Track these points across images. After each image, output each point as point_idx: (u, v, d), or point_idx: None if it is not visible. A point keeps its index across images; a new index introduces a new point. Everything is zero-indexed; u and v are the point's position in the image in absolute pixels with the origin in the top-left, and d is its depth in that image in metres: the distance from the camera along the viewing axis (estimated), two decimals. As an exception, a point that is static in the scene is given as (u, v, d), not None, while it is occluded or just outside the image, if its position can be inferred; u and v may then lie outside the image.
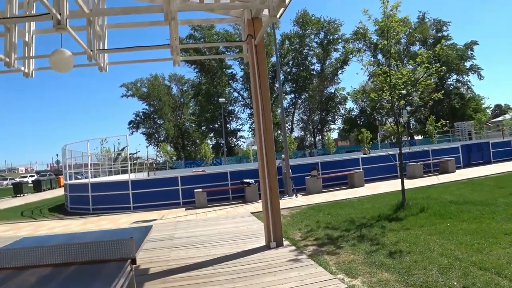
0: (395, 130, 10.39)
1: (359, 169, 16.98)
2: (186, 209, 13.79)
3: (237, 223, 9.64)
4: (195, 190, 14.04)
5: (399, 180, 17.27)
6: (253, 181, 14.42)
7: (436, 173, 18.49)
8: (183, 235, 8.64)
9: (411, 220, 7.90)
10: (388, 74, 9.68)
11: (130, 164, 36.04)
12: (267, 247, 6.70)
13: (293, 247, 6.63)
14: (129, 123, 74.39)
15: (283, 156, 15.79)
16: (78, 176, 33.34)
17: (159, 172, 37.53)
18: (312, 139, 73.27)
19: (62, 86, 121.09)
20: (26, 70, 6.98)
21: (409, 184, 14.83)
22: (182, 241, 7.96)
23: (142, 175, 28.69)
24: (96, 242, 3.41)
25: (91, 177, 25.69)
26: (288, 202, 13.05)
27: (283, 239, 7.00)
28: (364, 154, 26.26)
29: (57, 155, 24.80)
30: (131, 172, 34.00)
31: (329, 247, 6.57)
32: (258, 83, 6.81)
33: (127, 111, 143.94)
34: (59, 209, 17.69)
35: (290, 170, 15.06)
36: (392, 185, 14.96)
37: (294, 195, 14.43)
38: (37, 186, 36.56)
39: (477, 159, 21.24)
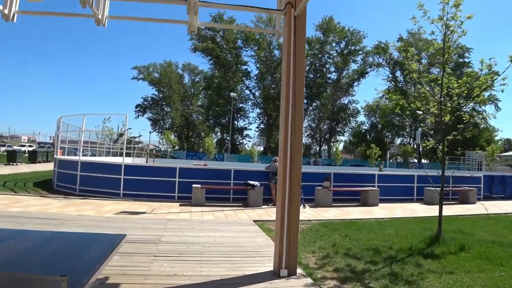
0: (434, 147, 8.86)
1: (374, 186, 15.47)
2: (180, 205, 12.34)
3: (237, 232, 8.16)
4: (193, 185, 12.60)
5: (415, 204, 16.03)
6: (258, 184, 12.97)
7: (455, 201, 16.98)
8: (172, 239, 7.18)
9: (452, 261, 6.41)
10: (440, 82, 8.14)
11: (129, 147, 34.77)
12: (275, 274, 5.20)
13: (309, 280, 5.13)
14: (136, 107, 73.42)
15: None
16: (77, 153, 32.29)
17: (159, 159, 36.14)
18: (318, 147, 71.60)
19: (80, 54, 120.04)
20: (6, 12, 5.54)
21: (428, 211, 13.46)
22: (169, 247, 6.48)
23: (140, 161, 27.28)
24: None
25: (84, 155, 24.49)
26: (295, 213, 11.63)
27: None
28: (379, 171, 24.99)
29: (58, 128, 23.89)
30: (129, 156, 32.86)
31: (355, 285, 5.10)
32: (292, 66, 5.33)
33: (136, 94, 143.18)
34: (45, 185, 16.30)
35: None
36: (409, 210, 13.55)
37: (302, 205, 12.96)
38: (32, 157, 35.30)
39: (498, 192, 19.70)
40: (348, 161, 59.98)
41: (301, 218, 10.90)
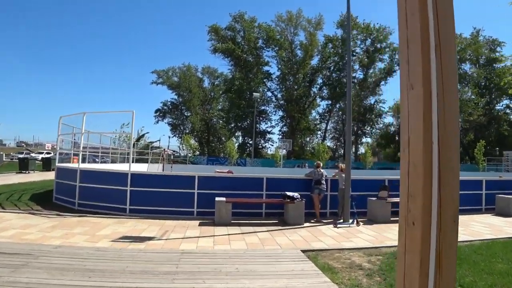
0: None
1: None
2: (200, 224, 9.69)
3: (287, 278, 5.35)
4: (217, 199, 9.92)
5: (488, 217, 12.92)
6: (299, 196, 10.23)
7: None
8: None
9: None
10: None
11: (146, 153, 32.51)
12: None
13: None
14: (156, 111, 72.22)
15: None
16: (96, 160, 30.17)
17: (177, 166, 33.69)
18: (342, 150, 68.12)
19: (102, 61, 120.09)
20: None
21: (503, 223, 10.59)
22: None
23: (157, 167, 24.87)
24: None
25: (103, 162, 22.17)
26: (349, 235, 8.81)
27: None
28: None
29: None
30: (145, 162, 30.50)
31: None
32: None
33: (155, 99, 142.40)
34: (44, 198, 13.88)
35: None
36: (490, 226, 10.58)
37: (354, 222, 10.13)
38: (46, 165, 33.39)
39: None
40: (377, 164, 56.44)
41: (361, 242, 8.12)
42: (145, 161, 29.11)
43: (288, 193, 10.21)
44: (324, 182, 11.19)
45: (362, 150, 70.23)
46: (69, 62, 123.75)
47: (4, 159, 46.39)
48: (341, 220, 10.48)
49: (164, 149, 25.71)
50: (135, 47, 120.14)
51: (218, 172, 15.60)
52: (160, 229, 8.86)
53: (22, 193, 14.90)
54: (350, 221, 10.19)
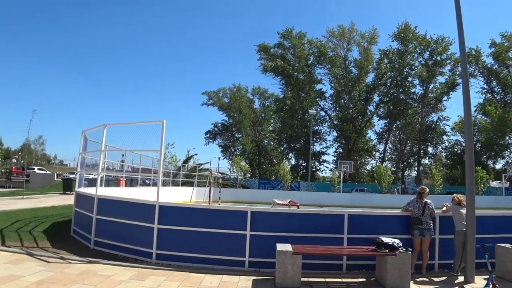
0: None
1: None
2: (254, 283, 6.56)
3: None
4: (279, 247, 6.69)
5: None
6: (401, 244, 6.84)
7: None
8: None
9: None
10: None
11: (193, 175, 29.89)
12: None
13: None
14: (206, 133, 71.10)
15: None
16: (147, 181, 28.10)
17: (227, 190, 30.91)
18: (401, 173, 62.47)
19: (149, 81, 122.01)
20: None
21: None
22: None
23: (204, 191, 22.07)
24: None
25: (147, 185, 19.82)
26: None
27: None
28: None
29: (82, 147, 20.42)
30: (190, 185, 27.83)
31: None
32: None
33: (205, 120, 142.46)
34: (62, 229, 11.31)
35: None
36: None
37: (490, 285, 6.48)
38: (66, 186, 31.81)
39: None
40: (445, 187, 50.43)
41: None
42: (191, 184, 26.50)
43: (384, 239, 6.82)
44: (430, 220, 7.72)
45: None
46: (117, 85, 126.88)
47: (55, 179, 46.05)
48: (460, 276, 7.00)
49: (211, 171, 22.86)
50: (186, 68, 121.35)
51: (278, 203, 12.15)
52: (193, 294, 5.82)
53: (42, 221, 12.48)
54: (483, 283, 6.57)
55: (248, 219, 7.57)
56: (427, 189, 8.09)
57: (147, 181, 27.55)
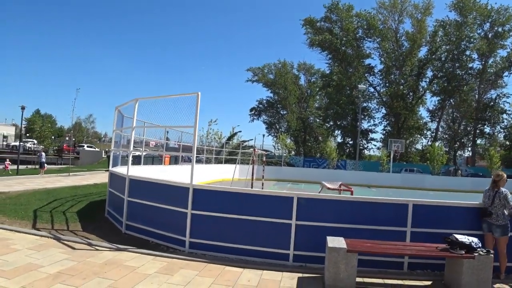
0: None
1: None
2: (300, 281, 5.57)
3: None
4: (330, 242, 5.61)
5: None
6: (480, 244, 5.59)
7: None
8: None
9: None
10: None
11: (237, 153, 29.12)
12: None
13: None
14: (251, 110, 70.39)
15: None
16: (191, 158, 27.14)
17: (271, 168, 30.03)
18: (453, 153, 58.64)
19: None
20: None
21: None
22: None
23: (247, 169, 21.25)
24: None
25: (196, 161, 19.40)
26: None
27: None
28: None
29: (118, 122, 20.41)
30: (232, 163, 27.06)
31: None
32: None
33: (251, 97, 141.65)
34: (98, 210, 10.86)
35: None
36: None
37: None
38: (136, 163, 31.94)
39: None
40: (504, 170, 46.92)
41: None
42: (235, 161, 25.78)
43: (459, 237, 5.57)
44: (504, 213, 6.31)
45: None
46: (159, 63, 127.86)
47: (103, 156, 47.05)
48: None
49: (255, 148, 21.95)
50: (232, 45, 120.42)
51: (328, 187, 10.78)
52: (227, 295, 4.93)
53: (79, 200, 12.10)
54: None
55: (294, 206, 6.52)
56: (505, 176, 6.60)
57: (191, 158, 27.03)
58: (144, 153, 22.96)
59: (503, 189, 6.37)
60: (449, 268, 5.80)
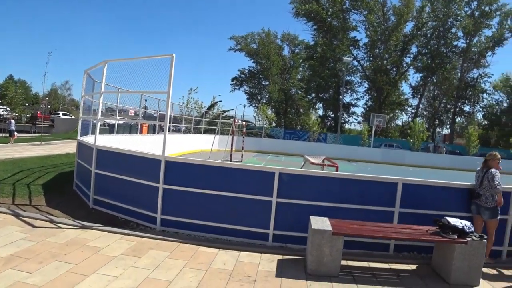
0: None
1: None
2: (279, 271, 5.08)
3: None
4: (313, 222, 5.19)
5: None
6: (472, 229, 5.21)
7: None
8: None
9: None
10: None
11: (215, 123, 28.36)
12: None
13: None
14: (232, 80, 68.92)
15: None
16: (171, 128, 26.70)
17: (251, 139, 29.54)
18: (432, 130, 59.02)
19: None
20: None
21: None
22: None
23: (227, 140, 20.67)
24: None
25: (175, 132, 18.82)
26: None
27: None
28: None
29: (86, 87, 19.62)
30: (211, 133, 26.31)
31: None
32: None
33: (232, 66, 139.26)
34: (66, 182, 10.19)
35: None
36: None
37: None
38: (111, 132, 30.92)
39: None
40: (481, 149, 47.42)
41: None
42: (210, 131, 25.11)
43: (451, 220, 5.17)
44: (492, 195, 5.94)
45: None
46: (141, 31, 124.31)
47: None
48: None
49: (234, 119, 21.32)
50: (213, 12, 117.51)
51: (312, 162, 10.05)
52: (200, 281, 4.45)
53: (47, 172, 11.36)
54: None
55: (275, 182, 6.02)
56: (498, 156, 6.18)
57: (171, 128, 26.44)
58: (120, 122, 22.12)
59: (493, 170, 5.96)
60: (438, 252, 5.43)
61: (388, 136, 54.81)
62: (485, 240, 5.07)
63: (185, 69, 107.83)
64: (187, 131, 24.89)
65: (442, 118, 59.29)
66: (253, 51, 65.05)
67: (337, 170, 8.04)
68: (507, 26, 51.91)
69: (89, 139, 9.38)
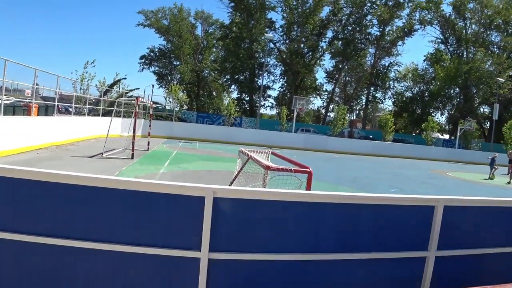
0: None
1: None
2: None
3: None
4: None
5: None
6: None
7: None
8: None
9: None
10: None
11: (120, 104, 23.89)
12: None
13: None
14: (141, 58, 63.19)
15: None
16: (70, 109, 21.86)
17: (161, 123, 25.84)
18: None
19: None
20: None
21: None
22: None
23: (130, 124, 16.86)
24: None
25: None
26: None
27: None
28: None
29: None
30: (117, 116, 21.97)
31: None
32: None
33: (141, 43, 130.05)
34: None
35: None
36: None
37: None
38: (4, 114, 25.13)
39: None
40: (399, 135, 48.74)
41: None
42: (116, 115, 20.92)
43: None
44: None
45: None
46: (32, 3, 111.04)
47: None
48: None
49: (137, 98, 17.48)
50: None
51: (268, 166, 5.43)
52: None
53: None
54: None
55: (205, 217, 2.78)
56: None
57: (70, 109, 21.91)
58: (7, 102, 17.56)
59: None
60: None
61: (301, 120, 54.08)
62: None
63: (85, 41, 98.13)
64: (81, 112, 20.49)
65: (352, 104, 60.20)
66: (164, 28, 60.15)
67: (310, 177, 4.74)
68: (416, 18, 53.90)
69: None
